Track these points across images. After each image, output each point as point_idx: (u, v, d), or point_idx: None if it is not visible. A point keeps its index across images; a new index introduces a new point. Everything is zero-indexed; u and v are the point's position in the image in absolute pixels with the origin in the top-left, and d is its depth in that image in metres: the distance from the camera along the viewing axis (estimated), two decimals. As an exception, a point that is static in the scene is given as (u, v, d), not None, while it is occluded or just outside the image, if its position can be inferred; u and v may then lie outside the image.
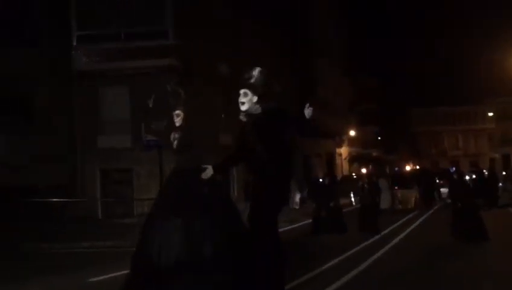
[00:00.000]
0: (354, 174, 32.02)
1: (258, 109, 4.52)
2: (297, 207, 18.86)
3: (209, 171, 4.64)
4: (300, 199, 19.02)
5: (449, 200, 11.15)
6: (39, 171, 13.53)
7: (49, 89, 14.30)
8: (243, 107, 4.50)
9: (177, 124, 5.27)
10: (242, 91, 4.52)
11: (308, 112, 4.37)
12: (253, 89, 4.55)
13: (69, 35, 14.26)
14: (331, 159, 32.62)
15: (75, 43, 14.26)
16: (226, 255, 4.55)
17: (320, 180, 12.85)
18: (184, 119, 5.28)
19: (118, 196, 14.48)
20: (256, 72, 4.62)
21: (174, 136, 5.26)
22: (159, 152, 11.90)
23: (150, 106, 5.57)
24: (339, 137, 34.21)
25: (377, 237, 9.81)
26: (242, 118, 4.56)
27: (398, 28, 48.21)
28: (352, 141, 38.02)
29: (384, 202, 17.62)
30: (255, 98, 4.52)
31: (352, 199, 20.68)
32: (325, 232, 10.54)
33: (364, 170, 26.10)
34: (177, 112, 5.26)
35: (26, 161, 13.95)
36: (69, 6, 14.26)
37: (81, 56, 14.44)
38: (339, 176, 31.41)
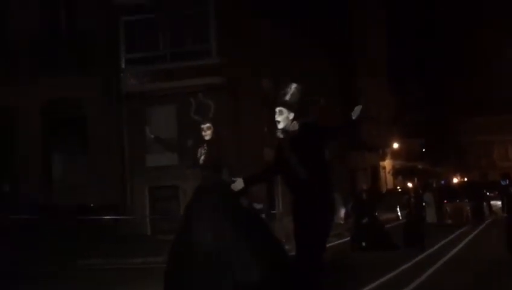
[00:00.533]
0: (398, 187, 31.47)
1: (295, 126, 4.41)
2: (342, 222, 18.54)
3: (238, 184, 4.52)
4: (345, 213, 18.88)
5: (504, 214, 10.79)
6: (92, 190, 14.03)
7: (101, 110, 14.88)
8: (279, 125, 4.40)
9: (207, 138, 5.07)
10: (277, 109, 4.41)
11: (357, 110, 4.25)
12: (289, 106, 4.43)
13: (118, 58, 14.81)
14: (375, 173, 32.21)
15: (123, 66, 14.78)
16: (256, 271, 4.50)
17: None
18: (214, 133, 5.09)
19: (166, 213, 14.78)
20: (291, 88, 4.48)
21: (201, 151, 5.06)
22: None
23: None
24: (382, 150, 33.77)
25: (423, 253, 9.55)
26: (279, 134, 4.46)
27: (443, 35, 46.60)
28: (396, 154, 37.42)
29: (430, 216, 17.17)
30: (291, 115, 4.41)
31: (399, 213, 20.31)
32: (364, 249, 10.25)
33: (410, 184, 25.62)
34: (207, 125, 5.07)
35: (80, 180, 14.54)
36: (118, 31, 14.81)
37: (129, 78, 14.95)
38: (384, 190, 31.00)
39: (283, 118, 4.41)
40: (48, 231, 11.97)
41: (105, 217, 13.05)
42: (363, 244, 10.49)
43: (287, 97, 4.46)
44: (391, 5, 34.76)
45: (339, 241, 12.85)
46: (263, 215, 15.23)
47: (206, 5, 14.58)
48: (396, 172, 37.35)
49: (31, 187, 14.72)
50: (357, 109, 4.29)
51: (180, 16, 14.71)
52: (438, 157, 43.80)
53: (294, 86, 4.53)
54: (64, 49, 15.02)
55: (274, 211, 16.13)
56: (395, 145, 36.56)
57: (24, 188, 14.85)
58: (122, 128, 15.08)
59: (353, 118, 4.27)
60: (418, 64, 39.30)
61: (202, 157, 5.06)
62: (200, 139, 5.13)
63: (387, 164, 36.00)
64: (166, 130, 14.57)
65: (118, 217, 13.59)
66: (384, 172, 35.58)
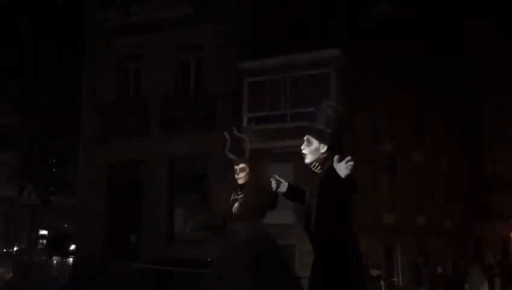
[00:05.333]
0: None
1: (316, 166, 3.49)
2: None
3: (282, 186, 3.78)
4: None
5: None
6: (210, 246, 14.30)
7: (222, 168, 15.35)
8: (306, 159, 3.52)
9: (240, 181, 4.37)
10: (305, 137, 3.55)
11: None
12: (319, 134, 3.47)
13: (240, 117, 15.42)
14: (505, 245, 29.40)
15: (245, 124, 15.33)
16: None
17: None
18: (250, 176, 4.33)
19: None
20: (324, 109, 3.51)
21: (234, 197, 4.35)
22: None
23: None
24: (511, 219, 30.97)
25: None
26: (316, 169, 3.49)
27: None
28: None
29: None
30: (324, 148, 3.46)
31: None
32: None
33: None
34: (241, 165, 4.40)
35: (199, 235, 14.91)
36: (242, 91, 15.49)
37: (250, 136, 15.40)
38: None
39: (311, 150, 3.48)
40: (168, 282, 12.31)
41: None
42: None
43: (318, 121, 3.49)
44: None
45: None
46: (381, 283, 14.47)
47: (328, 67, 14.78)
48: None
49: (155, 239, 15.40)
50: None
51: (302, 77, 15.04)
52: None
53: (326, 105, 3.54)
54: (191, 108, 15.97)
55: (394, 279, 15.25)
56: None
57: (149, 240, 15.57)
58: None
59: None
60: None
61: (236, 205, 4.28)
62: (235, 185, 4.32)
63: (518, 235, 32.74)
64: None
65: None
66: (515, 245, 32.33)
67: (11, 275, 16.18)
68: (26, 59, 26.20)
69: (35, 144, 27.35)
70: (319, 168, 3.47)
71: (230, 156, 4.57)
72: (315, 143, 3.46)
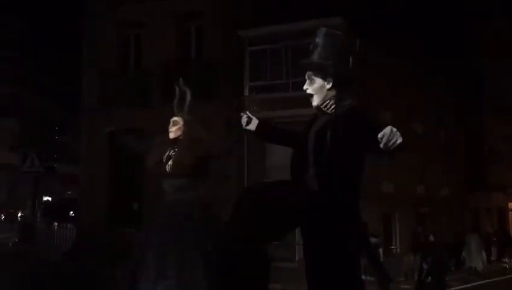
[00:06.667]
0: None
1: (329, 105, 2.88)
2: (480, 269, 17.03)
3: (251, 124, 3.17)
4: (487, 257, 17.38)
5: None
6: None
7: (222, 135, 15.45)
8: (314, 102, 2.92)
9: (171, 135, 3.93)
10: (307, 74, 2.95)
11: (386, 136, 2.58)
12: (320, 68, 2.85)
13: (242, 86, 15.39)
14: (502, 214, 29.76)
15: (246, 93, 15.30)
16: None
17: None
18: (185, 132, 3.88)
19: (282, 241, 14.79)
20: (320, 37, 2.86)
21: (170, 153, 3.86)
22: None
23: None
24: (510, 189, 31.29)
25: None
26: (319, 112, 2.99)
27: None
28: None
29: None
30: (329, 83, 2.86)
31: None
32: None
33: None
34: (175, 118, 3.97)
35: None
36: (243, 60, 15.42)
37: (251, 105, 15.43)
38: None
39: (315, 88, 2.90)
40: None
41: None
42: None
43: (316, 55, 2.86)
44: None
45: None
46: (380, 250, 14.73)
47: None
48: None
49: (156, 207, 15.58)
50: (387, 135, 2.52)
51: (303, 46, 14.96)
52: None
53: (323, 32, 2.86)
54: (192, 77, 15.91)
55: (392, 247, 15.50)
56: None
57: (150, 208, 15.75)
58: (242, 153, 15.52)
59: (380, 146, 2.56)
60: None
61: (170, 163, 3.80)
62: (166, 139, 3.89)
63: (515, 205, 33.08)
64: (284, 157, 14.73)
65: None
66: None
67: (16, 240, 16.45)
68: (25, 29, 25.98)
69: (36, 112, 27.38)
70: (332, 107, 2.86)
71: (175, 110, 4.12)
72: (318, 80, 2.89)
